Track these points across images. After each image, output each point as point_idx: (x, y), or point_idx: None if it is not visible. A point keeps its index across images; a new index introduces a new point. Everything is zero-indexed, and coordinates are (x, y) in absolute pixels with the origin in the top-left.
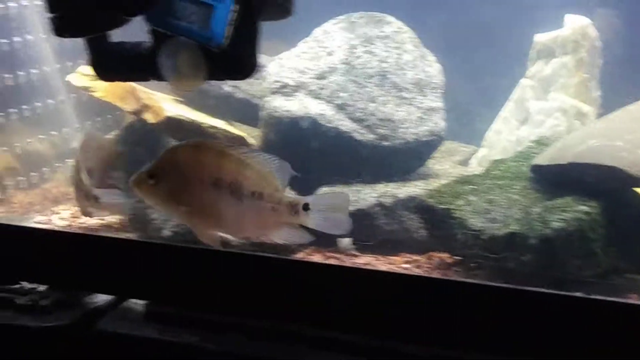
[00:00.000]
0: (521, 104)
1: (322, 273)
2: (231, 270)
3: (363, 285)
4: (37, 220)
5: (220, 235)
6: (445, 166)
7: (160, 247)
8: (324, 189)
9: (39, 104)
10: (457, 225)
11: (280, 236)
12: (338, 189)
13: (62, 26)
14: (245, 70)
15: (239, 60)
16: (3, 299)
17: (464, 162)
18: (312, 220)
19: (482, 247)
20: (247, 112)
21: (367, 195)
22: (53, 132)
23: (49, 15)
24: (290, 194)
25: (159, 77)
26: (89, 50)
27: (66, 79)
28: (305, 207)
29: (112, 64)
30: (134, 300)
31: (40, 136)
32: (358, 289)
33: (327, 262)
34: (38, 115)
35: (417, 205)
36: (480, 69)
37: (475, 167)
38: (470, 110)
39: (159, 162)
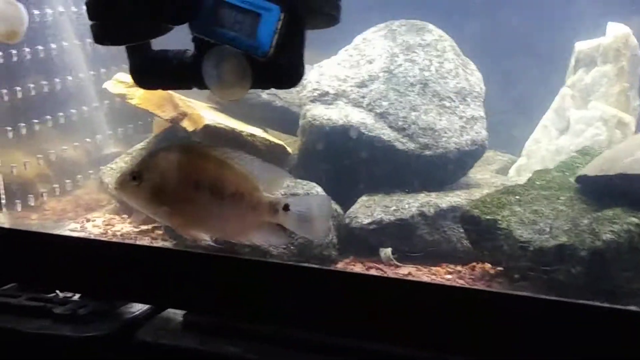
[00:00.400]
0: (561, 113)
1: (364, 284)
2: (272, 280)
3: (407, 296)
4: (70, 228)
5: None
6: (485, 175)
7: (198, 256)
8: (363, 198)
9: (74, 111)
10: (503, 236)
11: (259, 237)
12: (378, 198)
13: (103, 34)
14: (291, 79)
15: (285, 68)
16: (41, 308)
17: (501, 171)
18: (291, 221)
19: (530, 258)
20: (285, 120)
21: (408, 204)
22: (87, 139)
23: (90, 22)
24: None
25: (202, 85)
26: (130, 58)
27: (103, 86)
28: (286, 207)
29: (153, 72)
30: (171, 310)
31: (75, 143)
32: (402, 300)
33: (369, 273)
34: (72, 122)
35: (461, 216)
36: (516, 77)
37: (514, 176)
38: (505, 119)
39: (142, 163)
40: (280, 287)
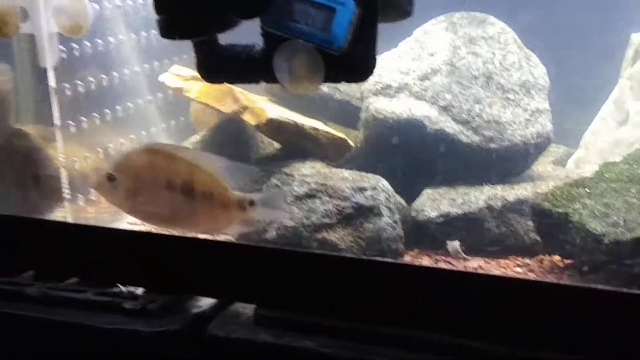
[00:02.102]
0: (620, 105)
1: (437, 277)
2: (340, 274)
3: (481, 290)
4: (129, 222)
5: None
6: (547, 168)
7: (266, 250)
8: (428, 191)
9: (130, 105)
10: (575, 229)
11: (231, 230)
12: (442, 191)
13: (171, 28)
14: (364, 72)
15: (358, 62)
16: (109, 303)
17: (557, 163)
18: (258, 214)
19: (604, 251)
20: (344, 113)
21: (475, 197)
22: (142, 132)
23: (157, 16)
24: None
25: (271, 79)
26: (197, 53)
27: (159, 79)
28: (251, 202)
29: (221, 66)
30: (239, 304)
31: (131, 136)
32: (476, 294)
33: (439, 266)
34: (129, 115)
35: (532, 209)
36: (570, 69)
37: (573, 168)
38: (559, 111)
39: (117, 164)
40: (351, 281)
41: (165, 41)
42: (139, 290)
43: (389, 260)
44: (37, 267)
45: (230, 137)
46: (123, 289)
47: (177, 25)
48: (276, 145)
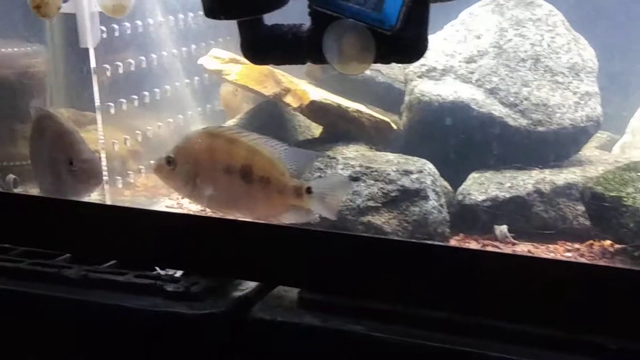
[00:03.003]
0: None
1: (487, 261)
2: (388, 257)
3: (533, 274)
4: (167, 205)
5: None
6: (594, 153)
7: (311, 233)
8: (474, 175)
9: (167, 87)
10: (629, 213)
11: (287, 217)
12: (489, 174)
13: (217, 7)
14: (416, 52)
15: (410, 42)
16: (151, 286)
17: (602, 148)
18: (314, 202)
19: None
20: (386, 96)
21: (523, 181)
22: (179, 116)
23: None
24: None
25: (319, 60)
26: (242, 33)
27: (198, 62)
28: (309, 190)
29: (267, 47)
30: (282, 287)
31: (169, 120)
32: (526, 277)
33: (489, 249)
34: (166, 98)
35: (583, 193)
36: (611, 54)
37: (619, 154)
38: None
39: (177, 149)
40: (399, 265)
41: (202, 24)
42: (177, 274)
43: (439, 243)
44: (73, 250)
45: (267, 120)
46: (161, 272)
47: (223, 5)
48: (313, 128)
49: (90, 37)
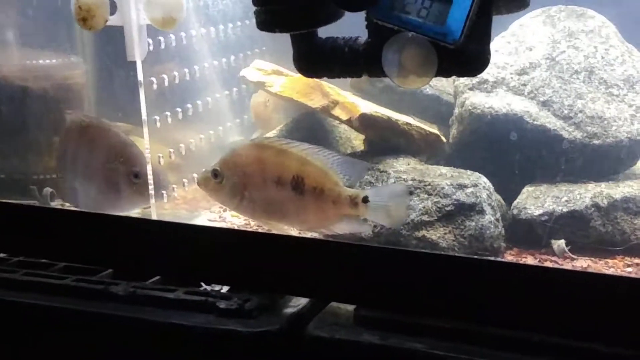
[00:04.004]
0: None
1: (550, 277)
2: (449, 273)
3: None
4: (209, 218)
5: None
6: None
7: (365, 248)
8: (528, 188)
9: (209, 99)
10: None
11: (341, 228)
12: (544, 188)
13: (271, 20)
14: (480, 66)
15: (474, 56)
16: (202, 303)
17: None
18: (371, 212)
19: None
20: (431, 107)
21: (580, 195)
22: (219, 127)
23: (256, 8)
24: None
25: (376, 73)
26: (296, 46)
27: (240, 74)
28: (365, 199)
29: (322, 60)
30: (334, 304)
31: (210, 131)
32: (592, 295)
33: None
34: (208, 110)
35: None
36: None
37: None
38: None
39: (223, 161)
40: (456, 281)
41: (241, 34)
42: (224, 289)
43: (504, 260)
44: (116, 266)
45: (307, 132)
46: (208, 287)
47: (278, 18)
48: (354, 140)
49: (138, 49)
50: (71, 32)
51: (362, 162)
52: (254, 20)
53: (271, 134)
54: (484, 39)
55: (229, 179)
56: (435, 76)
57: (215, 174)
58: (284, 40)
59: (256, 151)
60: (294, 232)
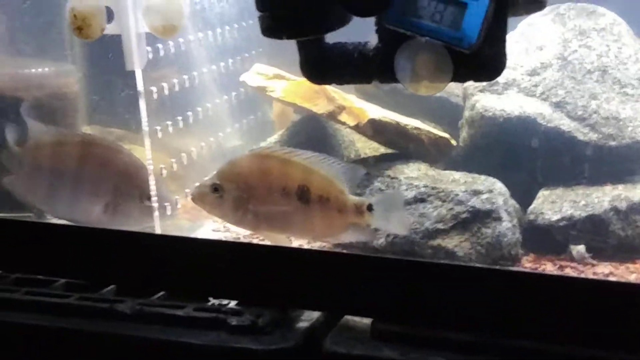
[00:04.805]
0: None
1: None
2: (462, 284)
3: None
4: (213, 228)
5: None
6: None
7: (379, 260)
8: (544, 192)
9: (209, 105)
10: None
11: (347, 236)
12: (560, 192)
13: (276, 26)
14: (496, 70)
15: (490, 60)
16: (213, 320)
17: None
18: (376, 220)
19: None
20: (438, 110)
21: (598, 199)
22: (220, 134)
23: (260, 13)
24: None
25: (387, 79)
26: (303, 52)
27: (240, 79)
28: (369, 207)
29: (330, 66)
30: (349, 317)
31: (211, 138)
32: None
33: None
34: (208, 117)
35: None
36: None
37: None
38: None
39: (223, 174)
40: (476, 292)
41: (237, 37)
42: (232, 304)
43: (527, 270)
44: (120, 282)
45: (309, 137)
46: (216, 302)
47: (284, 24)
48: (358, 145)
49: (137, 59)
50: (63, 40)
51: (361, 168)
52: (250, 22)
53: (272, 139)
54: (500, 43)
55: (230, 192)
56: (452, 82)
57: (215, 188)
58: (280, 41)
59: (258, 162)
60: (297, 242)
